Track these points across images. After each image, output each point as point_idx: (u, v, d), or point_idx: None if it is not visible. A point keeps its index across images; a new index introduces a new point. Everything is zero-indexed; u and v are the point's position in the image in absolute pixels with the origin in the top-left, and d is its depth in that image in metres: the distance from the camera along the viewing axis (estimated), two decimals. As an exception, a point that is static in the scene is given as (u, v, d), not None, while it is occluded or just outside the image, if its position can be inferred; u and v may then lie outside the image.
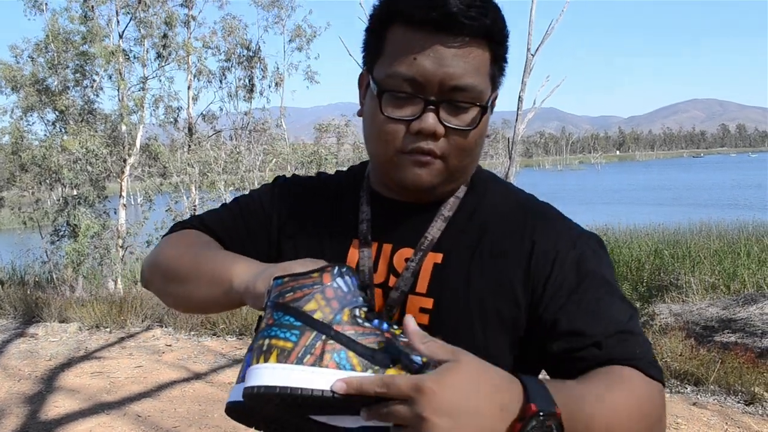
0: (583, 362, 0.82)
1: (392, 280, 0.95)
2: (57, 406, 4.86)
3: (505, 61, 0.96)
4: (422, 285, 0.93)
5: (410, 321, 0.70)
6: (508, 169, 8.46)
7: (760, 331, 6.32)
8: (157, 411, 4.74)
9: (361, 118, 1.00)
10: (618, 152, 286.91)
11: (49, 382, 5.44)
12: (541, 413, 0.63)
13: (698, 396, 4.77)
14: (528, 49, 7.82)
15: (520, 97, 7.94)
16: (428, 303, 0.92)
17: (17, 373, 5.70)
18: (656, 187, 50.65)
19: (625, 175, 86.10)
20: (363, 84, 0.99)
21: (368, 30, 0.96)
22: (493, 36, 0.90)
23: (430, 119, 0.87)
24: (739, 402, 4.65)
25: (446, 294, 0.92)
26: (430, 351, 0.68)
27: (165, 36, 14.66)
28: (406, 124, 0.89)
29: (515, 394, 0.66)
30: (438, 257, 0.94)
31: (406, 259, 0.95)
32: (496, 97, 0.98)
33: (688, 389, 4.89)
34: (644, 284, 9.38)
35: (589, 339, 0.83)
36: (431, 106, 0.87)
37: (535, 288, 0.90)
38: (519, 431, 0.63)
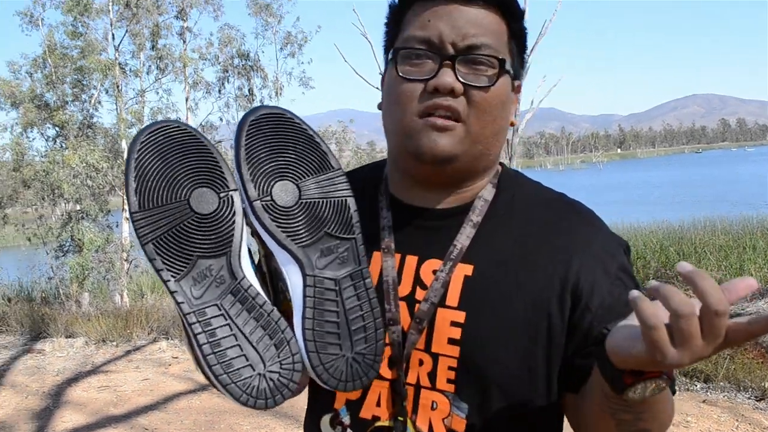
0: None
1: (419, 292, 0.91)
2: (64, 420, 4.85)
3: (525, 44, 0.96)
4: (452, 298, 0.89)
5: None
6: (509, 169, 8.49)
7: (768, 326, 6.28)
8: (164, 423, 4.72)
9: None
10: (619, 150, 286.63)
11: (56, 398, 5.42)
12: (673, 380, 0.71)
13: (708, 393, 4.74)
14: (524, 50, 7.85)
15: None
16: (460, 317, 0.89)
17: (24, 389, 5.69)
18: (658, 183, 50.51)
19: (627, 173, 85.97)
20: (384, 81, 0.96)
21: (387, 18, 0.95)
22: (508, 7, 0.90)
23: (445, 74, 0.85)
24: (749, 398, 4.60)
25: (479, 308, 0.88)
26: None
27: (153, 47, 14.69)
28: (424, 84, 0.87)
29: None
30: (468, 269, 0.90)
31: (434, 270, 0.91)
32: (519, 86, 0.97)
33: (698, 386, 4.85)
34: (650, 281, 9.33)
35: None
36: (447, 62, 0.86)
37: (577, 299, 0.87)
38: (656, 376, 0.68)
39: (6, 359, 6.78)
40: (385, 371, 0.90)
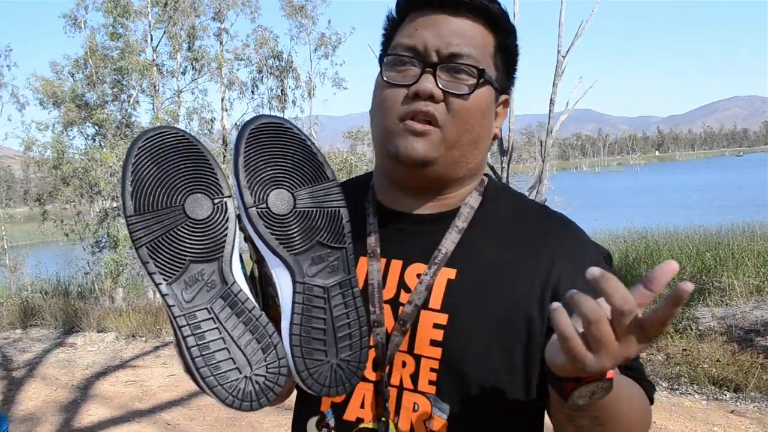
0: None
1: (403, 295, 0.93)
2: (90, 414, 4.96)
3: (514, 61, 0.98)
4: (436, 300, 0.92)
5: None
6: (542, 171, 8.36)
7: (805, 335, 6.07)
8: (186, 419, 4.79)
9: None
10: (657, 153, 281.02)
11: (84, 391, 5.55)
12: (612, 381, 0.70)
13: (737, 403, 4.60)
14: (558, 51, 7.72)
15: (551, 99, 7.85)
16: (442, 319, 0.91)
17: (54, 382, 5.84)
18: (697, 187, 49.36)
19: (664, 175, 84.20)
20: None
21: (385, 29, 0.99)
22: (496, 21, 0.93)
23: (426, 81, 0.88)
24: (781, 409, 4.46)
25: (461, 311, 0.91)
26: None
27: (190, 48, 14.94)
28: (406, 90, 0.90)
29: None
30: (452, 273, 0.93)
31: (418, 274, 0.93)
32: (507, 100, 1.00)
33: (727, 396, 4.71)
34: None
35: None
36: (429, 68, 0.89)
37: (556, 301, 0.88)
38: (595, 380, 0.68)
39: (39, 352, 6.97)
40: (369, 373, 0.92)
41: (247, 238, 0.83)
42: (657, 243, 12.11)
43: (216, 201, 0.80)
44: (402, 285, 0.94)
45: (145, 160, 0.77)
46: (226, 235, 0.80)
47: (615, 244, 12.24)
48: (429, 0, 0.91)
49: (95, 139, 14.48)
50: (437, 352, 0.90)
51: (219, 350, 0.76)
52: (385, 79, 0.92)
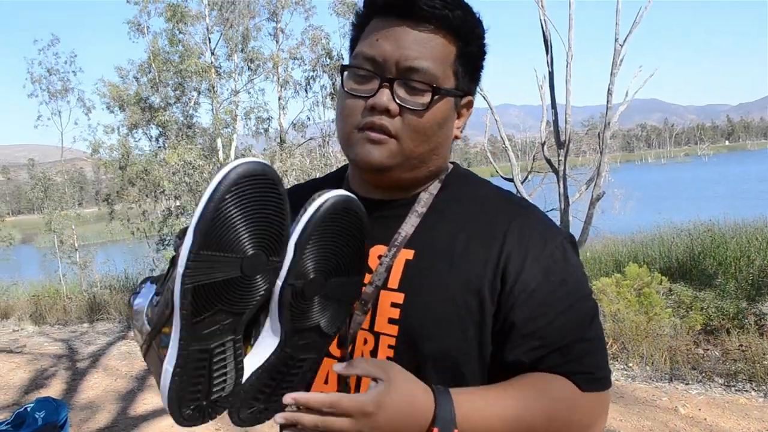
0: (529, 366, 0.90)
1: (366, 276, 0.97)
2: (146, 402, 5.16)
3: (478, 65, 0.99)
4: (394, 280, 0.96)
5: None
6: (599, 163, 8.13)
7: None
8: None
9: None
10: (727, 142, 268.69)
11: (141, 381, 5.78)
12: None
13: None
14: (616, 39, 7.48)
15: (609, 89, 7.62)
16: (399, 298, 0.95)
17: (115, 372, 6.10)
18: (767, 177, 46.94)
19: (733, 166, 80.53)
20: None
21: (353, 24, 1.01)
22: (458, 31, 0.93)
23: (383, 96, 0.91)
24: None
25: (417, 290, 0.94)
26: (365, 371, 0.81)
27: (243, 50, 15.24)
28: (365, 101, 0.93)
29: (428, 416, 0.81)
30: (410, 254, 0.97)
31: (379, 256, 0.98)
32: (470, 102, 1.01)
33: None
34: (751, 281, 8.70)
35: (539, 349, 0.89)
36: (386, 83, 0.91)
37: (503, 287, 0.92)
38: None
39: (103, 345, 7.30)
40: (334, 350, 0.97)
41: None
42: (724, 236, 11.59)
43: (270, 260, 0.78)
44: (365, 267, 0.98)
45: (232, 204, 0.74)
46: (260, 296, 0.80)
47: (679, 238, 11.79)
48: (389, 7, 0.92)
49: (159, 140, 14.95)
50: (394, 329, 0.94)
51: (193, 388, 0.80)
52: (345, 89, 0.95)
